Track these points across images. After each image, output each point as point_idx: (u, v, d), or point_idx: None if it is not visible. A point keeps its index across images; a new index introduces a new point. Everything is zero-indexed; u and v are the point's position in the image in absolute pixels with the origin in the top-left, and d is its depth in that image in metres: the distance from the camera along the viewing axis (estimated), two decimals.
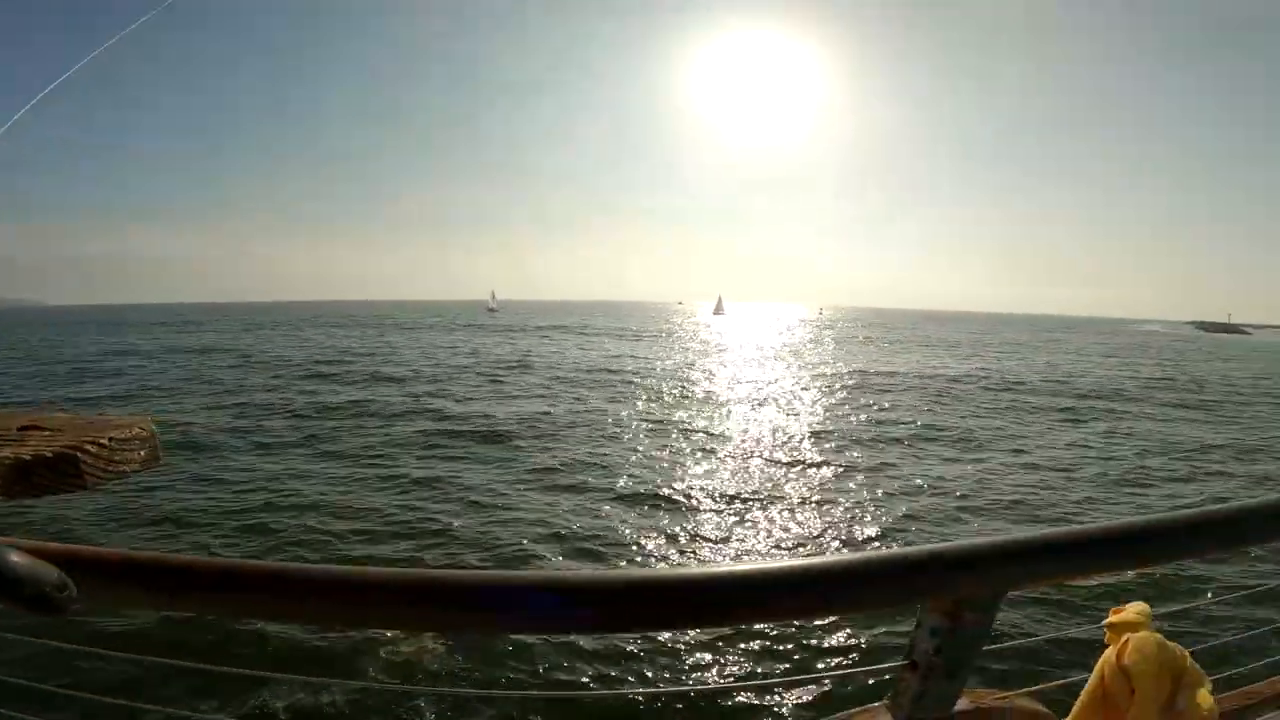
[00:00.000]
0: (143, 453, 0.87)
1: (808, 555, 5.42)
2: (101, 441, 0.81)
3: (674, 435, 12.90)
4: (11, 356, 28.51)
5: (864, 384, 21.98)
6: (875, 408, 17.01)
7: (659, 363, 28.44)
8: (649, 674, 5.07)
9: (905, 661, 0.92)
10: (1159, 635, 0.98)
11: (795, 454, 11.61)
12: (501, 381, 20.79)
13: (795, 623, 5.35)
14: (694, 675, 5.06)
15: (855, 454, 11.63)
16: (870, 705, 0.99)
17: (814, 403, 17.67)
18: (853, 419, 15.25)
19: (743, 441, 12.59)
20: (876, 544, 7.54)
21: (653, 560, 7.00)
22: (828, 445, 12.32)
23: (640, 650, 5.24)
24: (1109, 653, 1.01)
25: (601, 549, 7.16)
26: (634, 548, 7.28)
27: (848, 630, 5.45)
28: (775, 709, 4.58)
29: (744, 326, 76.81)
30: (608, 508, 8.35)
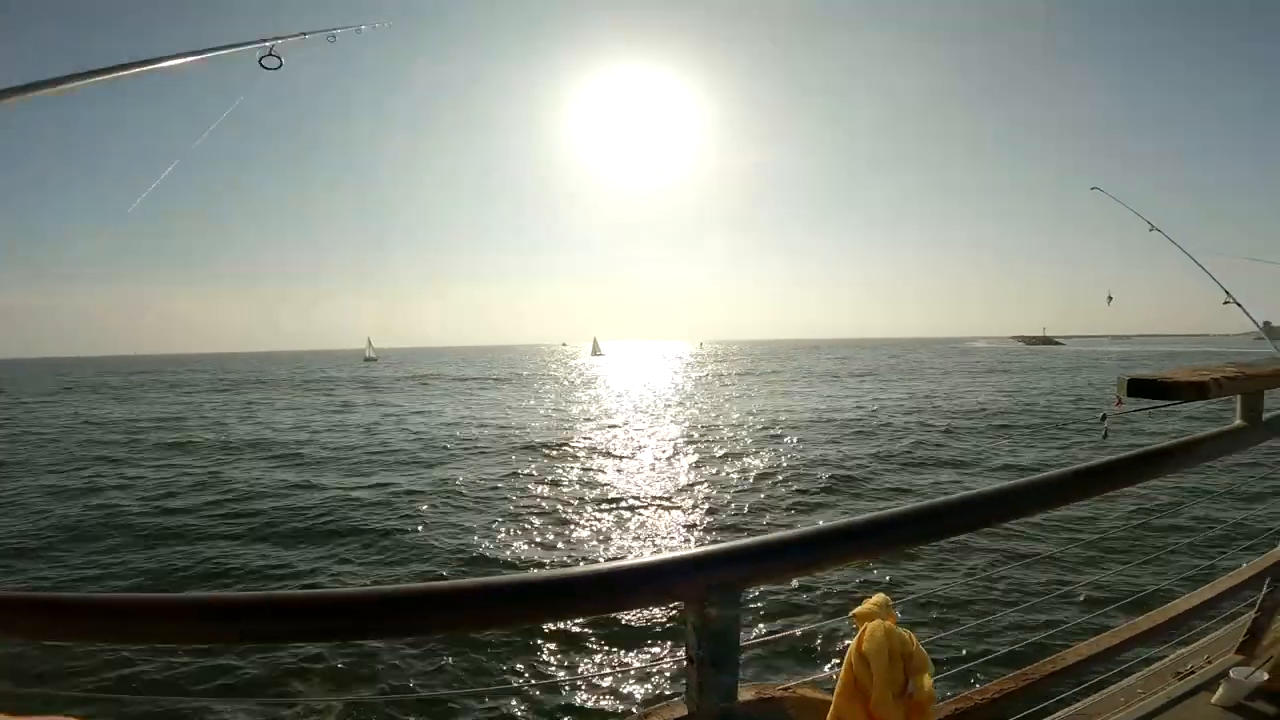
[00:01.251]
0: None
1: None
2: None
3: (538, 493, 11.65)
4: None
5: (741, 423, 21.21)
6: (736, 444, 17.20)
7: (526, 413, 25.96)
8: (459, 677, 5.03)
9: (686, 657, 0.99)
10: (888, 624, 1.07)
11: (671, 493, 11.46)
12: (353, 448, 17.40)
13: (623, 621, 5.68)
14: (510, 677, 5.03)
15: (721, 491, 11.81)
16: (671, 700, 1.07)
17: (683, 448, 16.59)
18: (708, 459, 14.98)
19: (603, 489, 11.89)
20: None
21: None
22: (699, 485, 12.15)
23: (448, 653, 5.19)
24: (854, 642, 1.08)
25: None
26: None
27: (657, 628, 5.68)
28: (583, 704, 4.66)
29: (622, 366, 74.64)
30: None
